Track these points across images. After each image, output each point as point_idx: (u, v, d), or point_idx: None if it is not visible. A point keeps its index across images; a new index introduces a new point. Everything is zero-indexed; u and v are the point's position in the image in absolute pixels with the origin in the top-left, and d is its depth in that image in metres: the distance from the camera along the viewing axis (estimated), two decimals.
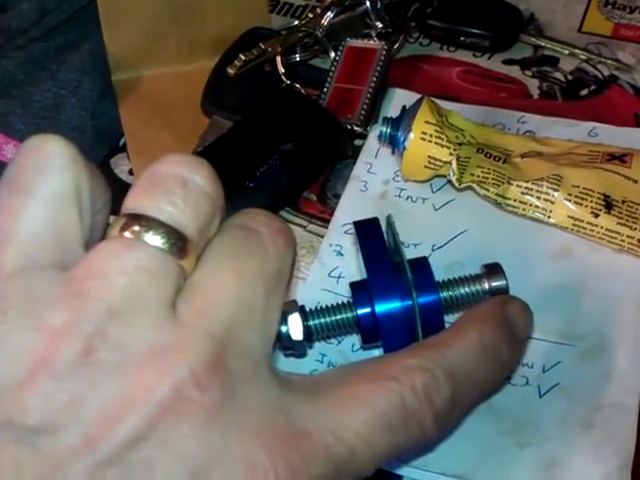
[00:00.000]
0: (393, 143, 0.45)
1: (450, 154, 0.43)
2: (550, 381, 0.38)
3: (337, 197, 0.47)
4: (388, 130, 0.45)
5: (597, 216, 0.41)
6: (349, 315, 0.36)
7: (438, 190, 0.46)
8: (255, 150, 0.45)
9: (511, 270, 0.40)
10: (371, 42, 0.52)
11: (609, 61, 0.53)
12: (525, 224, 0.43)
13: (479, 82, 0.53)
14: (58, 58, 0.50)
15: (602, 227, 0.41)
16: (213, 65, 0.52)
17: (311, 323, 0.36)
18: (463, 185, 0.43)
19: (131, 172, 0.50)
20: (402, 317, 0.34)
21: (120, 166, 0.50)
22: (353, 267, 0.42)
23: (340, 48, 0.52)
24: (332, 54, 0.52)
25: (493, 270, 0.37)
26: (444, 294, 0.36)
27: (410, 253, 0.40)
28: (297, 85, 0.50)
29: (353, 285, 0.37)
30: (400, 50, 0.54)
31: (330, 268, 0.43)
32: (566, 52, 0.53)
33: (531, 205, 0.42)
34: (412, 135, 0.44)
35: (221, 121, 0.49)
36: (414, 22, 0.55)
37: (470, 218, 0.44)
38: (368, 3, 0.52)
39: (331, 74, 0.51)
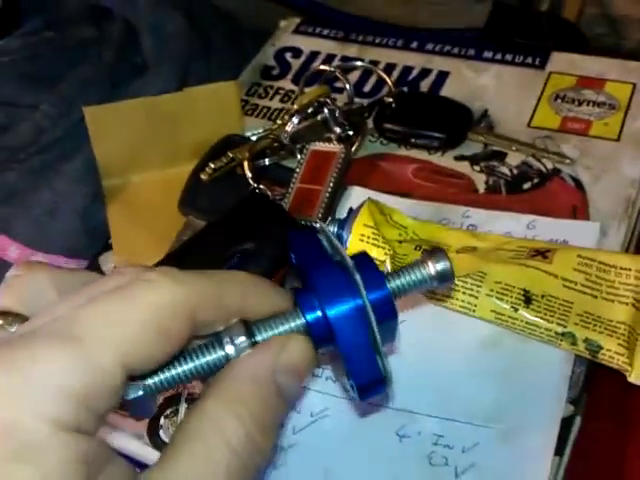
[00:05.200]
0: (340, 241, 0.51)
1: (385, 254, 0.48)
2: (467, 462, 0.42)
3: None
4: (336, 229, 0.51)
5: (517, 310, 0.46)
6: (298, 323, 0.33)
7: None
8: (219, 250, 0.51)
9: (443, 358, 0.44)
10: (331, 145, 0.57)
11: (552, 155, 0.57)
12: (459, 314, 0.48)
13: (431, 178, 0.57)
14: (54, 168, 0.57)
15: (522, 320, 0.45)
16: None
17: (259, 338, 0.32)
18: None
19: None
20: (355, 316, 0.32)
21: (108, 263, 0.56)
22: None
23: (304, 151, 0.58)
24: (298, 156, 0.58)
25: (435, 254, 0.35)
26: (392, 285, 0.35)
27: None
28: (263, 187, 0.56)
29: (296, 290, 0.34)
30: (359, 150, 0.59)
31: None
32: (513, 148, 0.58)
33: (457, 299, 0.47)
34: (351, 237, 0.49)
35: (195, 221, 0.55)
36: (373, 124, 0.60)
37: (408, 309, 0.49)
38: (327, 111, 0.58)
39: (295, 175, 0.57)
